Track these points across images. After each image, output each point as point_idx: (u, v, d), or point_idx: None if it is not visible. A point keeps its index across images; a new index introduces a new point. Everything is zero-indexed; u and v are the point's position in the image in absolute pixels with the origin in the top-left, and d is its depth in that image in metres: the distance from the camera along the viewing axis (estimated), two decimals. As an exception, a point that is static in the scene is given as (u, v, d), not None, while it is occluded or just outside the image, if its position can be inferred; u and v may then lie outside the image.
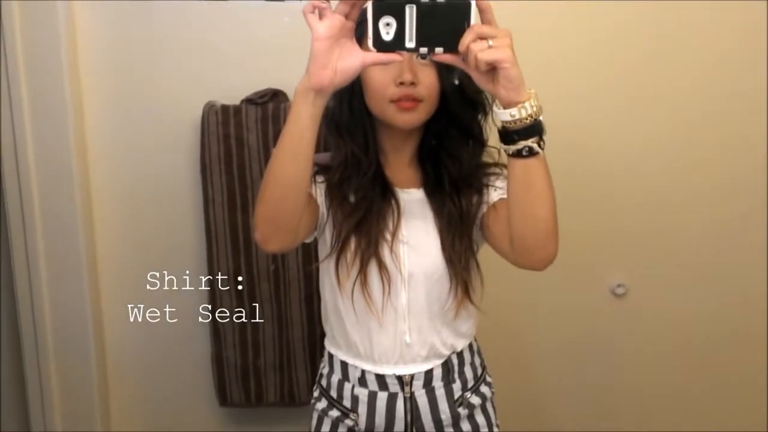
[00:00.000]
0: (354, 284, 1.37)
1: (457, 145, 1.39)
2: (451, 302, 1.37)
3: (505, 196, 1.26)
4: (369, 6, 1.05)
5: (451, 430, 1.44)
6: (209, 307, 1.94)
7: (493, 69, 1.07)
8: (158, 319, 2.03)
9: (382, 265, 1.35)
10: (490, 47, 1.05)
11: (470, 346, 1.47)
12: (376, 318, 1.38)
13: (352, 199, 1.37)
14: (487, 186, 1.38)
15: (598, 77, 1.91)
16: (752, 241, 2.02)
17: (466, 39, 1.05)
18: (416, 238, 1.37)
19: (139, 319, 2.03)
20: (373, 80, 1.31)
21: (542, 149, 1.13)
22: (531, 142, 1.11)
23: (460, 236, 1.36)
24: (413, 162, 1.42)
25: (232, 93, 1.83)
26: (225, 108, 1.81)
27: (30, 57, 1.80)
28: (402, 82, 1.28)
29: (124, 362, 2.07)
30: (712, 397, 2.06)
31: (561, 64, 1.89)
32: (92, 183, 1.94)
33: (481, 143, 1.41)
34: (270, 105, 1.81)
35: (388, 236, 1.36)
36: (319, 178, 1.40)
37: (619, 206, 2.00)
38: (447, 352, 1.42)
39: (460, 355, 1.44)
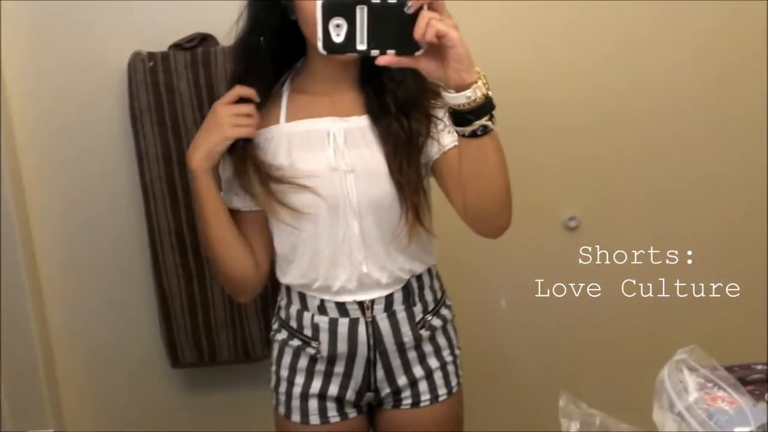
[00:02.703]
0: (302, 222, 1.35)
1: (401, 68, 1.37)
2: (403, 227, 1.35)
3: (457, 142, 1.24)
4: (318, 6, 1.02)
5: (414, 353, 1.43)
6: (152, 267, 1.88)
7: (440, 55, 1.06)
8: (100, 285, 1.96)
9: (328, 198, 1.33)
10: (440, 20, 1.04)
11: (429, 270, 1.46)
12: (330, 251, 1.36)
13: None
14: (436, 119, 1.35)
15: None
16: (702, 169, 2.03)
17: (421, 19, 1.03)
18: (362, 166, 1.34)
19: (81, 284, 1.96)
20: (308, 7, 1.26)
21: (494, 124, 1.14)
22: (485, 121, 1.12)
23: (408, 160, 1.33)
24: (355, 88, 1.39)
25: (160, 40, 1.76)
26: (152, 55, 1.74)
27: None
28: None
29: (68, 331, 1.99)
30: (665, 327, 2.08)
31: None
32: (18, 141, 1.85)
33: None
34: (199, 49, 1.75)
35: (326, 169, 1.34)
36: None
37: (570, 137, 1.99)
38: (406, 277, 1.41)
39: (419, 278, 1.43)
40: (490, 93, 1.11)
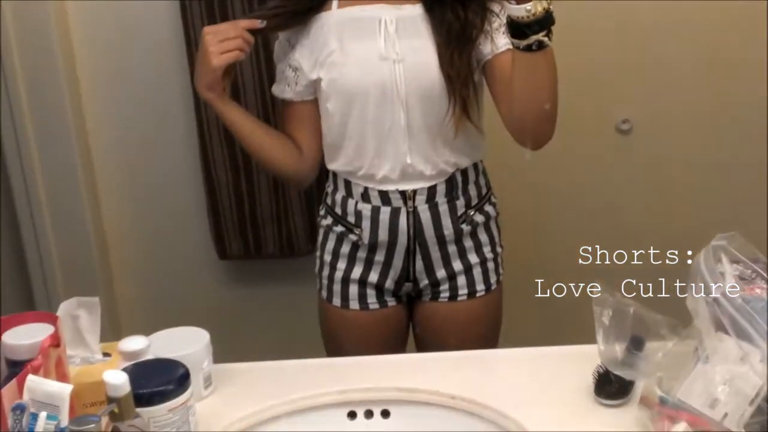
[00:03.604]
0: (352, 108, 1.34)
1: None
2: (449, 119, 1.33)
3: (511, 46, 1.21)
4: None
5: (454, 247, 1.43)
6: (201, 160, 1.91)
7: None
8: (151, 177, 2.01)
9: (376, 90, 1.32)
10: None
11: (475, 165, 1.45)
12: (376, 140, 1.36)
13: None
14: (492, 13, 1.31)
15: None
16: (754, 78, 1.96)
17: None
18: (412, 56, 1.32)
19: (133, 175, 2.01)
20: None
21: (551, 41, 1.11)
22: (541, 36, 1.09)
23: (459, 51, 1.30)
24: None
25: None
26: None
27: None
28: None
29: (120, 222, 2.05)
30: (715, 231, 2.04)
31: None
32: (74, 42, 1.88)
33: None
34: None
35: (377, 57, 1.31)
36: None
37: (623, 38, 1.93)
38: (450, 170, 1.40)
39: (464, 173, 1.42)
40: (551, 8, 1.08)
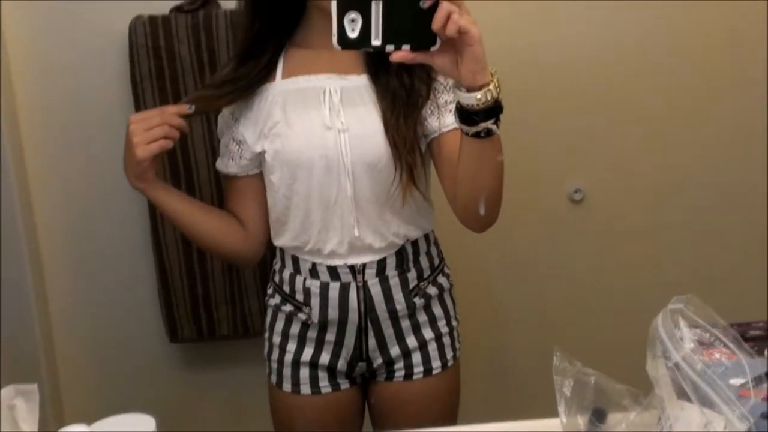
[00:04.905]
0: (296, 180, 1.31)
1: None
2: (396, 186, 1.30)
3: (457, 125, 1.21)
4: (333, 1, 1.01)
5: (407, 322, 1.39)
6: (152, 238, 1.85)
7: (455, 53, 1.04)
8: (100, 259, 1.94)
9: (321, 160, 1.30)
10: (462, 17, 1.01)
11: (426, 236, 1.42)
12: (322, 213, 1.32)
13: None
14: (439, 84, 1.31)
15: None
16: (707, 149, 2.00)
17: (441, 10, 1.01)
18: (357, 125, 1.30)
19: (81, 258, 1.94)
20: None
21: (498, 128, 1.12)
22: (490, 124, 1.10)
23: (405, 117, 1.29)
24: None
25: (162, 3, 1.74)
26: (153, 19, 1.71)
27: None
28: None
29: (67, 311, 1.97)
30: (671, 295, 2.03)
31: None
32: (18, 107, 1.83)
33: None
34: (201, 12, 1.72)
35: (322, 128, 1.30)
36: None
37: (577, 109, 1.95)
38: (400, 242, 1.37)
39: (414, 244, 1.39)
40: (500, 97, 1.09)
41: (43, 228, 1.92)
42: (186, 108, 1.31)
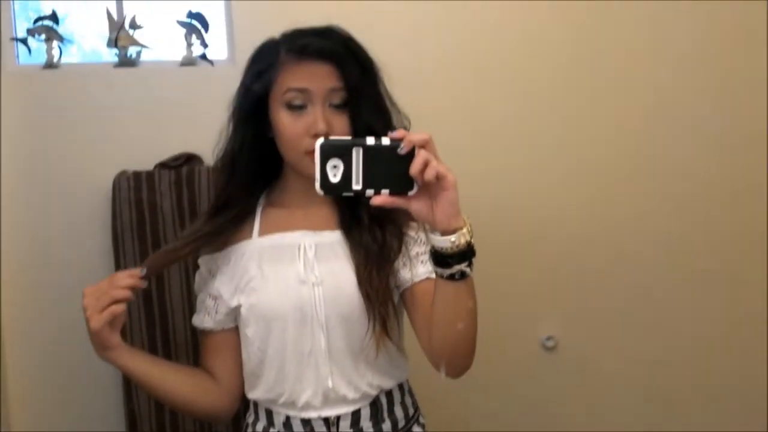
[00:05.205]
0: (271, 333, 1.33)
1: None
2: (369, 337, 1.32)
3: (431, 275, 1.26)
4: (316, 148, 1.08)
5: (383, 472, 1.36)
6: (123, 392, 1.84)
7: (430, 198, 1.10)
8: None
9: (295, 313, 1.32)
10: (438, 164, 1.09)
11: (400, 386, 1.42)
12: (296, 365, 1.34)
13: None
14: (410, 238, 1.36)
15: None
16: (682, 295, 2.07)
17: (418, 157, 1.07)
18: (331, 279, 1.33)
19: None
20: (286, 131, 1.30)
21: (472, 271, 1.15)
22: (464, 266, 1.14)
23: (377, 270, 1.32)
24: (329, 203, 1.41)
25: (147, 159, 1.82)
26: (137, 174, 1.78)
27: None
28: (316, 134, 1.27)
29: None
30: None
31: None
32: (2, 254, 1.86)
33: None
34: (184, 168, 1.79)
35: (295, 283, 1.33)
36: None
37: (548, 256, 2.02)
38: (374, 392, 1.37)
39: (389, 394, 1.39)
40: (473, 241, 1.13)
41: (14, 392, 1.89)
42: (138, 271, 1.32)
